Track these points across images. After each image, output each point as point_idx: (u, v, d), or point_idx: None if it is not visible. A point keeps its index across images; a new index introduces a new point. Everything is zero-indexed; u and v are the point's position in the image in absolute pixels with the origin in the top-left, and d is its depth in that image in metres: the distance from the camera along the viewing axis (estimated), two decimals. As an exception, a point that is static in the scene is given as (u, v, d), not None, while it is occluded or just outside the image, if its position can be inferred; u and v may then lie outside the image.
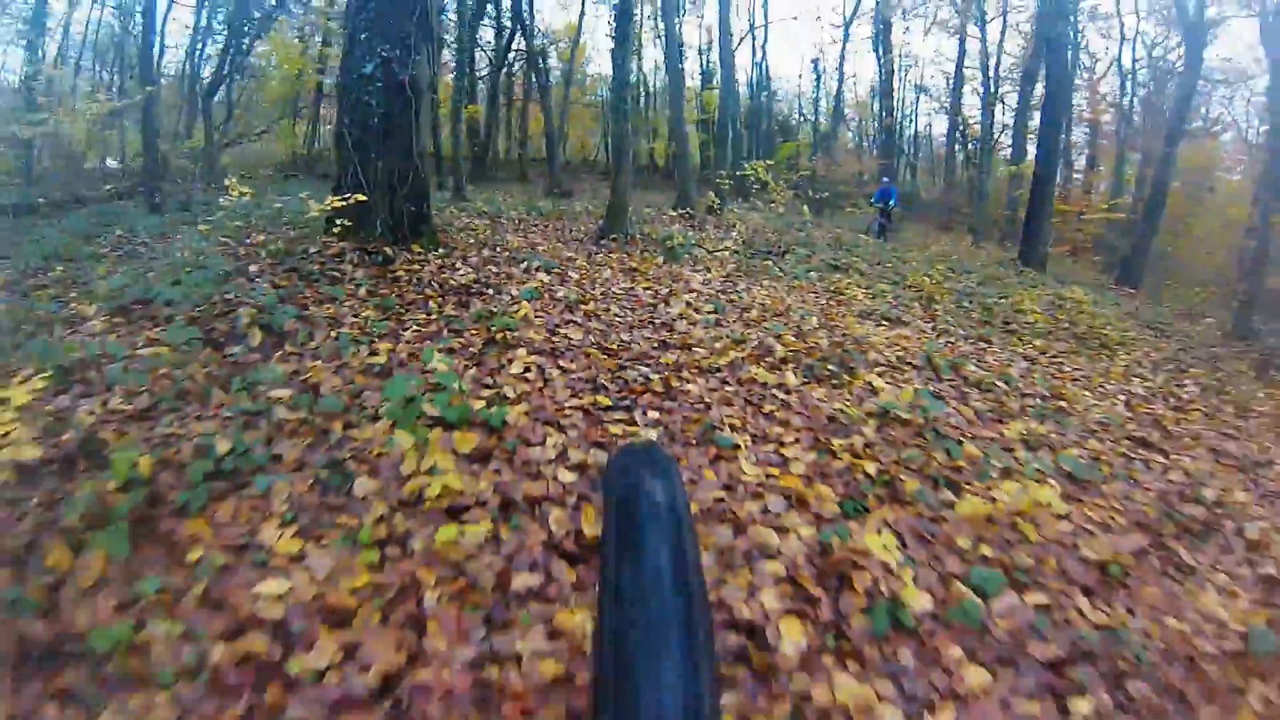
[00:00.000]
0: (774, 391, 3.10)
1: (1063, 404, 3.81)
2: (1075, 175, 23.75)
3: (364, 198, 4.33)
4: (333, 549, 1.89)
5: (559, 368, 3.12)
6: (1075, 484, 2.78)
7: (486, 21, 21.32)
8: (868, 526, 2.12)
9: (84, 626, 1.61)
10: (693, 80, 25.75)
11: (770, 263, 6.98)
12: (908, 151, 32.02)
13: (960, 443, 2.79)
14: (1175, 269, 16.91)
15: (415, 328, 3.45)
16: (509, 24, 20.97)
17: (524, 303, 3.87)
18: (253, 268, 4.09)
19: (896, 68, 26.61)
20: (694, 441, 2.58)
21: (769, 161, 10.79)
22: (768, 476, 2.38)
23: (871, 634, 1.75)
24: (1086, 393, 4.25)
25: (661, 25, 20.09)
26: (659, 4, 18.79)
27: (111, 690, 1.49)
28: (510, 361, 3.07)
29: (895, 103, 26.94)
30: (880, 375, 3.47)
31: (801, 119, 31.47)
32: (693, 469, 2.39)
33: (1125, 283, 13.18)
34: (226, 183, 5.70)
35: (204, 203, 8.14)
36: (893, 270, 7.99)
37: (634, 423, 2.66)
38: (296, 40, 18.06)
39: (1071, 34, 18.84)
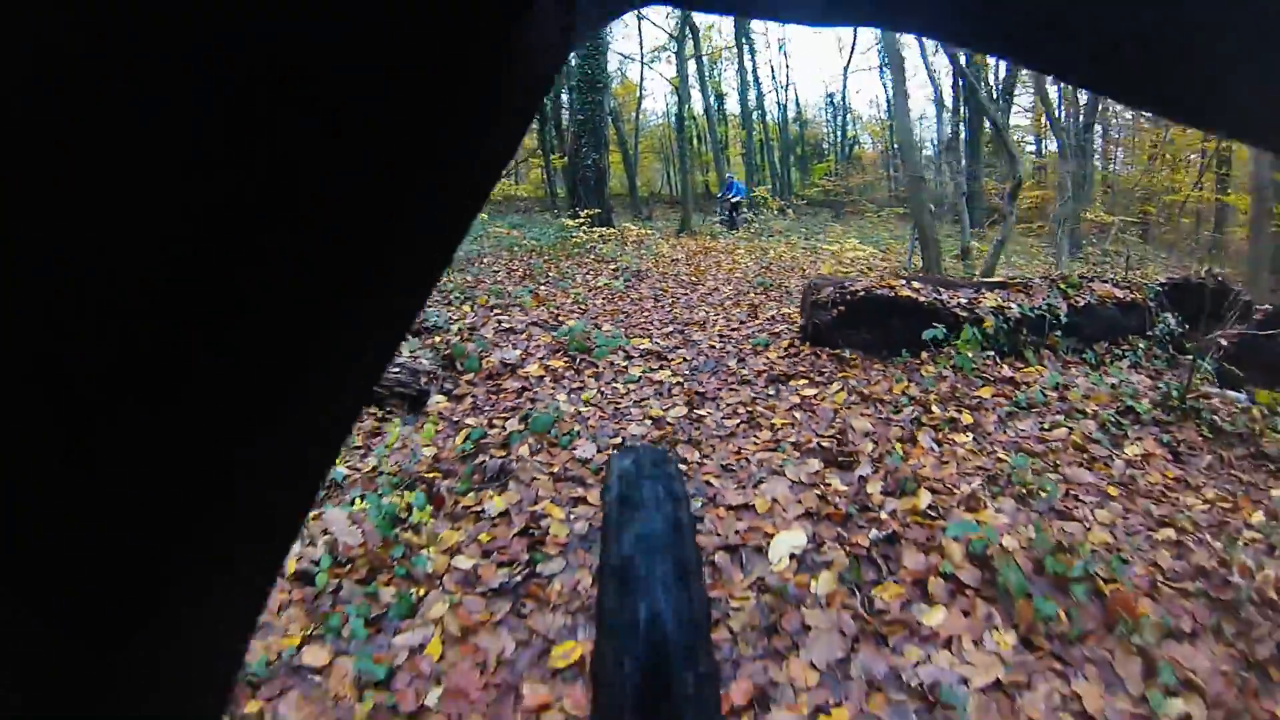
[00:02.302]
0: (738, 260, 10.10)
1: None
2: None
3: (600, 210, 11.60)
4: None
5: (675, 255, 10.23)
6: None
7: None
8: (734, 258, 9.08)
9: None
10: (734, 113, 32.70)
11: (764, 239, 13.91)
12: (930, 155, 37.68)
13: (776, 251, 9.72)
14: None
15: (631, 245, 10.61)
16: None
17: (659, 243, 11.05)
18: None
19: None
20: (713, 265, 9.57)
21: (766, 185, 17.81)
22: (734, 263, 9.37)
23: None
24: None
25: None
26: (697, 73, 26.15)
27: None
28: (663, 248, 10.24)
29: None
30: (772, 245, 10.43)
31: (828, 145, 38.20)
32: (713, 260, 9.41)
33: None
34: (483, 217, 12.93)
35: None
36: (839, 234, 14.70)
37: (701, 263, 9.72)
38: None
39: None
